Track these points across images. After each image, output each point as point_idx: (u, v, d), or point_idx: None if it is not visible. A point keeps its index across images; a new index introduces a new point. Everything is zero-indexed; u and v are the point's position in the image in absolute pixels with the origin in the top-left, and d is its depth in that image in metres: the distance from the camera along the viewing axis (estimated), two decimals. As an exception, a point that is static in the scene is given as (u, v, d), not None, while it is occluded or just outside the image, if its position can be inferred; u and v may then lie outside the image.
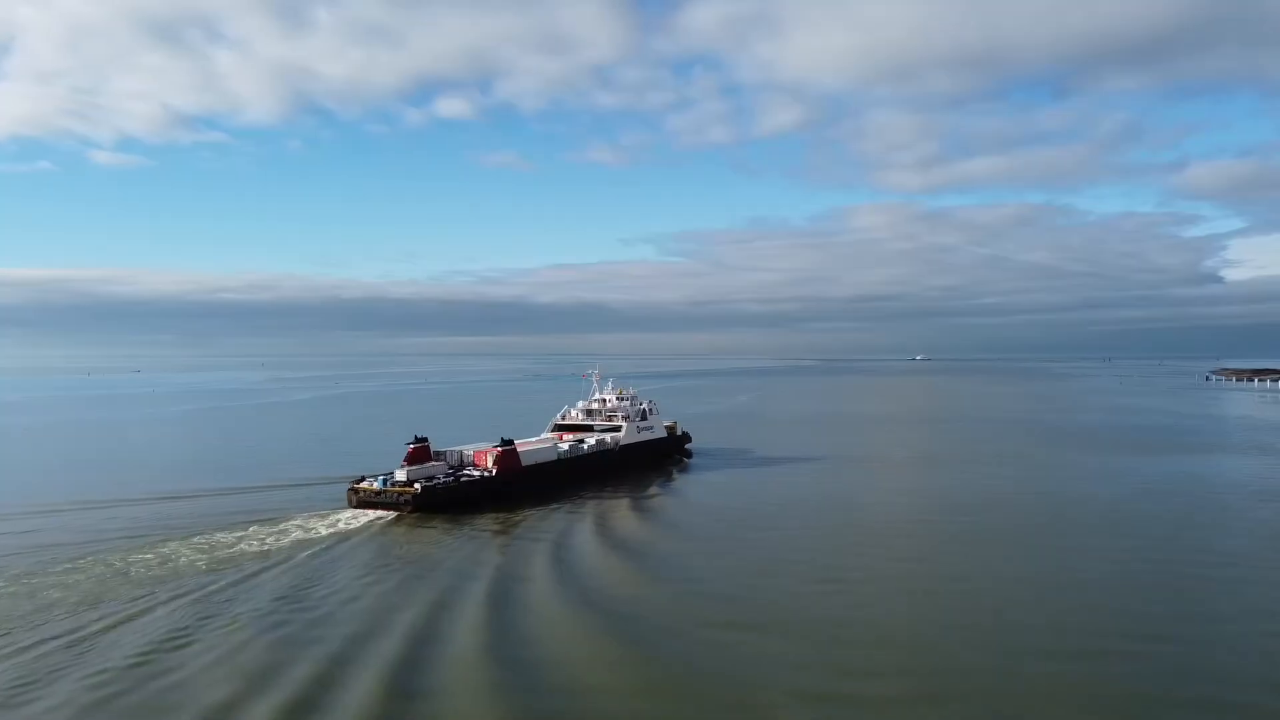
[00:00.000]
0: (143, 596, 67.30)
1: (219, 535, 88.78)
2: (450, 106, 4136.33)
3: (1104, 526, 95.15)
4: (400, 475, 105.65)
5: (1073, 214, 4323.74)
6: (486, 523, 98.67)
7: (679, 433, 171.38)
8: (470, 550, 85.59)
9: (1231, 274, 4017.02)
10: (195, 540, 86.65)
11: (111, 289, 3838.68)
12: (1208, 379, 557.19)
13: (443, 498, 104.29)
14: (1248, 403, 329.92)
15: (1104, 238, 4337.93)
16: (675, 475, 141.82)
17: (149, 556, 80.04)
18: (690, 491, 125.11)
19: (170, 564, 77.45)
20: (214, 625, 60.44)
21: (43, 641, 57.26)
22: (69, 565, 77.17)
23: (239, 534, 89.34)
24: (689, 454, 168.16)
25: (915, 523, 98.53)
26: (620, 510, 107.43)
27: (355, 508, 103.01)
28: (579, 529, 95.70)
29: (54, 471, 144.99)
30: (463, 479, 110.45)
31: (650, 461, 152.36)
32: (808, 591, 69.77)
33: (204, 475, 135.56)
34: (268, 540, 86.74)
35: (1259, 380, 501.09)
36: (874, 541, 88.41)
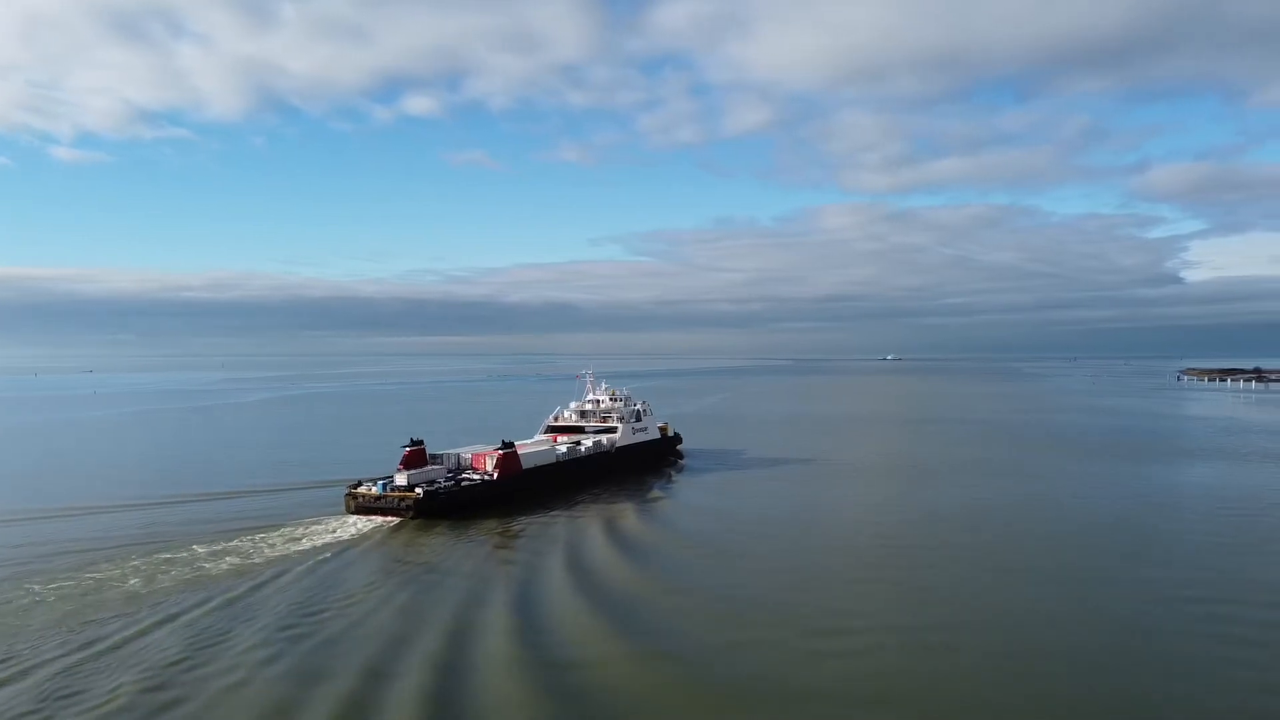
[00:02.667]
0: (139, 615, 61.97)
1: (206, 546, 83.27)
2: (418, 104, 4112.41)
3: (1125, 551, 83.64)
4: (400, 480, 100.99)
5: (1036, 215, 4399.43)
6: (490, 528, 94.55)
7: (670, 434, 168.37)
8: (481, 558, 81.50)
9: (1191, 275, 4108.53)
10: (185, 553, 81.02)
11: (71, 287, 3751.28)
12: (1179, 379, 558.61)
13: (445, 503, 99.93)
14: (1228, 403, 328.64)
15: (1067, 239, 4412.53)
16: (674, 478, 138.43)
17: (135, 569, 74.51)
18: (692, 496, 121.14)
19: (164, 578, 72.02)
20: (225, 646, 55.63)
21: (32, 669, 51.99)
22: (33, 582, 71.14)
23: (228, 545, 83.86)
24: (681, 455, 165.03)
25: (916, 547, 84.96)
26: (627, 515, 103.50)
27: (353, 514, 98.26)
28: (589, 535, 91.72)
29: None
30: (464, 483, 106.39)
31: (645, 463, 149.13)
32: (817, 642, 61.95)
33: (173, 482, 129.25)
34: (266, 551, 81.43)
35: (1231, 380, 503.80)
36: (882, 568, 78.88)
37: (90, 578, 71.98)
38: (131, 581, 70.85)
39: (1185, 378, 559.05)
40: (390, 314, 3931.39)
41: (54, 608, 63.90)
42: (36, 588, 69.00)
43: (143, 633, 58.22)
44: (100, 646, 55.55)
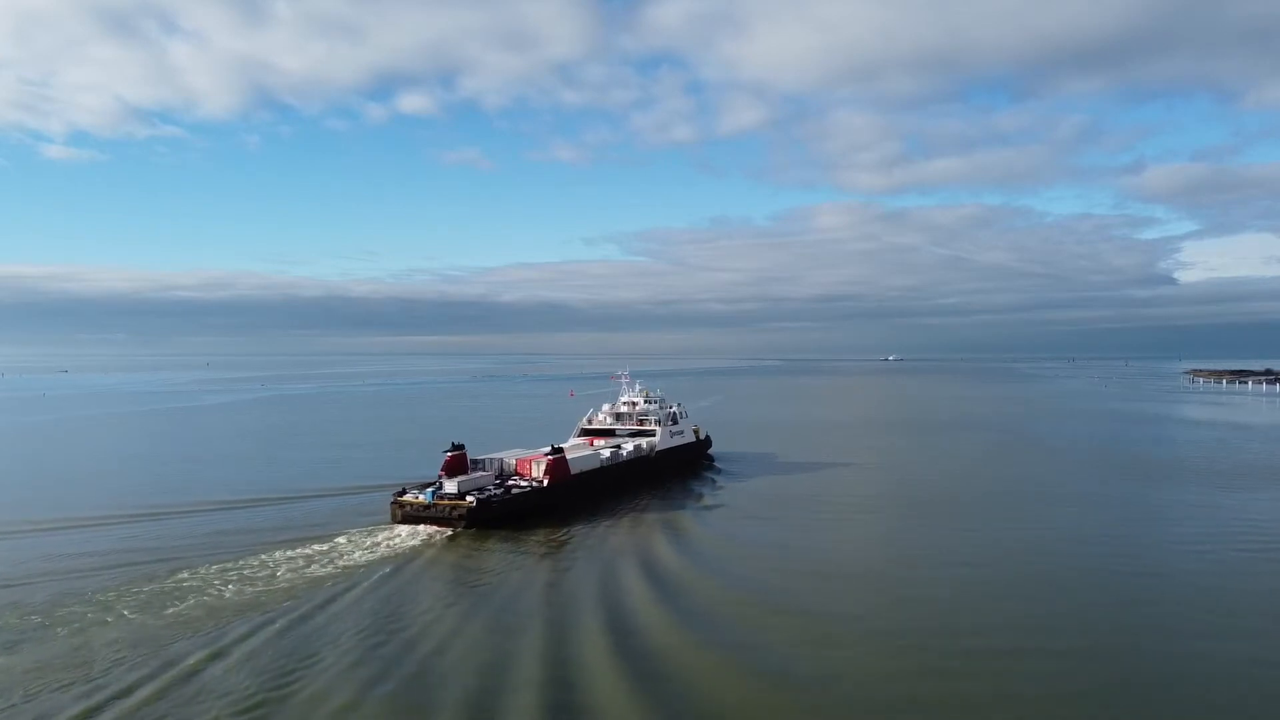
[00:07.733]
0: (207, 634, 57.09)
1: (246, 559, 78.36)
2: (412, 102, 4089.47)
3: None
4: (450, 487, 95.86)
5: (1030, 215, 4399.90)
6: (546, 539, 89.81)
7: (702, 436, 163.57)
8: (551, 572, 77.15)
9: (1185, 276, 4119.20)
10: (225, 567, 76.09)
11: (62, 285, 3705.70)
12: (1193, 380, 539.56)
13: (499, 511, 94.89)
14: (1261, 408, 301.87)
15: (1061, 239, 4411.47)
16: (716, 482, 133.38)
17: (171, 586, 69.51)
18: (746, 503, 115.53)
19: (207, 595, 67.17)
20: (314, 668, 51.28)
21: (113, 701, 46.86)
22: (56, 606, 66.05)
23: (272, 556, 79.04)
24: (712, 459, 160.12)
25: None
26: (688, 524, 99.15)
27: (400, 523, 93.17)
28: (657, 546, 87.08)
29: None
30: (513, 490, 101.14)
31: (683, 467, 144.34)
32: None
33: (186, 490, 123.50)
34: (324, 565, 76.63)
35: (1253, 382, 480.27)
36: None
37: (142, 590, 67.11)
38: (191, 598, 66.00)
39: (1199, 380, 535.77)
40: (383, 313, 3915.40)
41: (116, 627, 58.95)
42: (78, 609, 64.12)
43: (217, 655, 53.56)
44: (179, 670, 50.91)
